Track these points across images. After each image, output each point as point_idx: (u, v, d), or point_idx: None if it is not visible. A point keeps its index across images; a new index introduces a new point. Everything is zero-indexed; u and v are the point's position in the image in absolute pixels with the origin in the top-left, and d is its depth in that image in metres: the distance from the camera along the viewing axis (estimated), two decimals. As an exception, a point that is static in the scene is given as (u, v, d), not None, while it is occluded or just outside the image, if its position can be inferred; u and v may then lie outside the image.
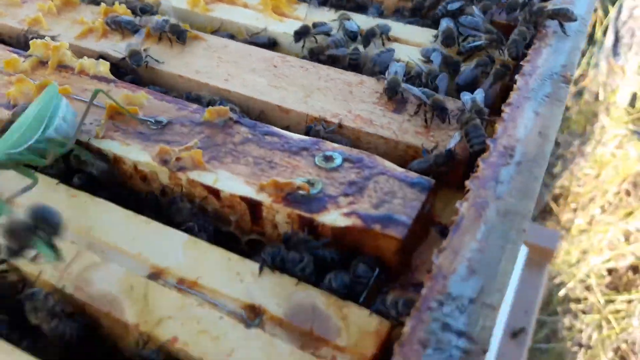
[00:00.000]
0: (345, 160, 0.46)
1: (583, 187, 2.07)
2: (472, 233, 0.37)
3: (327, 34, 0.62)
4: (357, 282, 0.39)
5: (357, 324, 0.36)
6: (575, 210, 2.00)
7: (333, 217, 0.41)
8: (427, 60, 0.59)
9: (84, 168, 0.47)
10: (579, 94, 2.41)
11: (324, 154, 0.47)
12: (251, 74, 0.57)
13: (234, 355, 0.35)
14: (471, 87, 0.54)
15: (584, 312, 1.76)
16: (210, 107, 0.50)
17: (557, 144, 2.23)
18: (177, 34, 0.60)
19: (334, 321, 0.37)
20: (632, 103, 2.42)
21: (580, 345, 1.76)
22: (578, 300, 1.88)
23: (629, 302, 1.84)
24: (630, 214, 2.07)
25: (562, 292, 1.76)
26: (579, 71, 2.46)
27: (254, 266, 0.40)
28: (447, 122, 0.50)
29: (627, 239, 2.01)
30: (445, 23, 0.62)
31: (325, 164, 0.46)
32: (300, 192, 0.43)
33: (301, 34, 0.62)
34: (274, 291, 0.38)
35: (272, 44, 0.64)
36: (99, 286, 0.39)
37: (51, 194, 0.45)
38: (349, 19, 0.64)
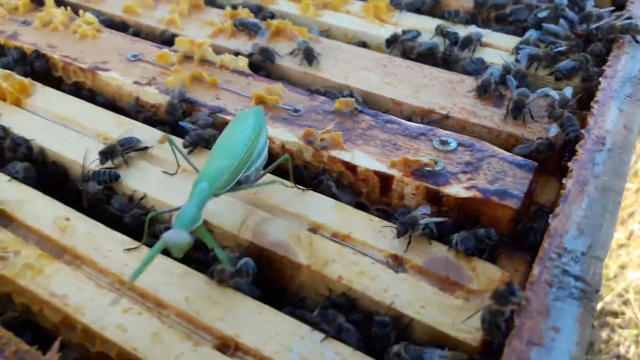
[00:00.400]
0: (459, 144, 0.55)
1: (623, 202, 2.10)
2: (577, 203, 0.46)
3: (414, 40, 0.72)
4: (480, 244, 0.48)
5: (485, 273, 0.45)
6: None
7: (456, 190, 0.51)
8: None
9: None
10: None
11: (439, 138, 0.56)
12: (365, 72, 0.67)
13: (388, 291, 0.44)
14: (569, 75, 0.64)
15: (620, 327, 1.79)
16: (340, 98, 0.60)
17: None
18: (308, 58, 0.68)
19: (465, 271, 0.46)
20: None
21: (618, 357, 1.80)
22: (615, 314, 1.91)
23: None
24: None
25: (599, 306, 1.80)
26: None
27: (391, 228, 0.49)
28: (525, 118, 0.59)
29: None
30: (529, 34, 0.71)
31: (442, 147, 0.55)
32: (427, 168, 0.52)
33: (391, 41, 0.72)
34: (412, 246, 0.48)
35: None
36: (273, 236, 0.49)
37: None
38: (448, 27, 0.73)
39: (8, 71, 0.65)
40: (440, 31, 0.72)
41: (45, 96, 0.64)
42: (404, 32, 0.72)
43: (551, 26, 0.71)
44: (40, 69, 0.69)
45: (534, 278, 0.41)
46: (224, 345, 0.42)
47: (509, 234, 0.50)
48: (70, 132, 0.59)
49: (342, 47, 0.71)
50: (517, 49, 0.69)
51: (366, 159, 0.54)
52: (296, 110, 0.60)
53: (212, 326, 0.42)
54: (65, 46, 0.71)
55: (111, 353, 0.42)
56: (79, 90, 0.68)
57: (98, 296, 0.45)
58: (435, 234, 0.48)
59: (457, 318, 0.42)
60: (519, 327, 0.38)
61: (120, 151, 0.54)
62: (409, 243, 0.47)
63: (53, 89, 0.65)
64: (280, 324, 0.42)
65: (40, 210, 0.51)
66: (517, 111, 0.59)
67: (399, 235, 0.48)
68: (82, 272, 0.47)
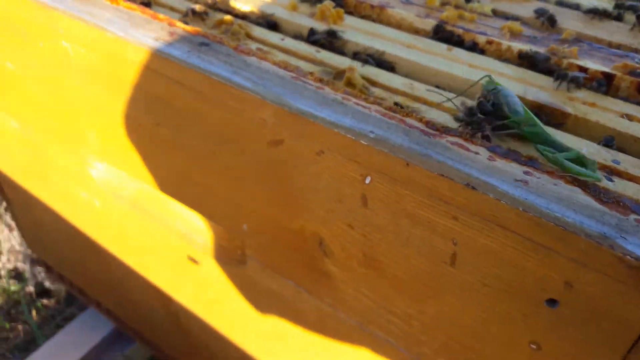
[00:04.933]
0: (656, 60, 0.84)
1: None
2: None
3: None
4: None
5: (688, 125, 0.73)
6: None
7: (661, 82, 0.79)
8: None
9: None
10: None
11: (638, 57, 0.84)
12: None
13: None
14: None
15: None
16: (566, 31, 0.89)
17: None
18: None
19: (674, 123, 0.73)
20: None
21: None
22: None
23: None
24: None
25: None
26: None
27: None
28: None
29: None
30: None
31: (643, 62, 0.83)
32: (638, 70, 0.80)
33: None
34: (636, 111, 0.76)
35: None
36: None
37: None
38: None
39: (329, 1, 0.96)
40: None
41: (353, 21, 0.95)
42: None
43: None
44: (339, 6, 1.00)
45: None
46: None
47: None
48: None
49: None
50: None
51: (593, 64, 0.83)
52: (535, 37, 0.90)
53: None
54: (350, -7, 1.03)
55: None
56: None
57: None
58: None
59: None
60: None
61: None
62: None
63: (354, 17, 0.96)
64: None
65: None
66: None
67: None
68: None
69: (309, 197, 0.72)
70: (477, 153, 0.60)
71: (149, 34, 0.80)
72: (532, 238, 0.55)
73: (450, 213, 0.59)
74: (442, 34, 0.90)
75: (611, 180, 0.62)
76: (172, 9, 0.97)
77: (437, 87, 0.80)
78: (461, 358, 0.72)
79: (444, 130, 0.63)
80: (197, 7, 0.94)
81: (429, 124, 0.64)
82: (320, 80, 0.70)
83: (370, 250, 0.71)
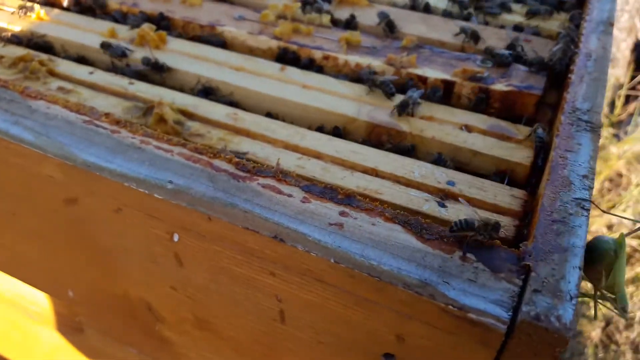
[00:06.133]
0: (493, 63, 0.80)
1: None
2: (580, 86, 0.71)
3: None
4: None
5: (524, 132, 0.70)
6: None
7: (499, 87, 0.75)
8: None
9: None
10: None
11: (481, 59, 0.81)
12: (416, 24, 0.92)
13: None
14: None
15: None
16: (406, 37, 0.84)
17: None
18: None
19: (513, 130, 0.70)
20: (611, 110, 2.84)
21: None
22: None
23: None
24: (612, 207, 2.45)
25: None
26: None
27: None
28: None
29: (609, 229, 2.40)
30: None
31: (483, 64, 0.80)
32: (478, 75, 0.77)
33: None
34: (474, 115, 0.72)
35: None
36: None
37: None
38: None
39: (151, 25, 0.86)
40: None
41: (178, 44, 0.85)
42: None
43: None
44: (164, 28, 0.90)
45: (561, 121, 0.66)
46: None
47: (533, 113, 0.75)
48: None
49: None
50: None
51: (433, 72, 0.78)
52: (374, 47, 0.84)
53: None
54: (180, 11, 0.93)
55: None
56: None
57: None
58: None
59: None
60: (558, 139, 0.62)
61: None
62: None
63: (180, 39, 0.86)
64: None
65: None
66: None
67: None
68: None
69: (122, 259, 0.62)
70: (290, 195, 0.53)
71: None
72: (351, 291, 0.48)
73: (267, 269, 0.51)
74: (278, 54, 0.82)
75: (444, 206, 0.57)
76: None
77: (269, 114, 0.72)
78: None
79: (256, 171, 0.55)
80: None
81: (239, 165, 0.55)
82: (117, 122, 0.60)
83: (200, 312, 0.62)
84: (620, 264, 0.50)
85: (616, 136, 2.76)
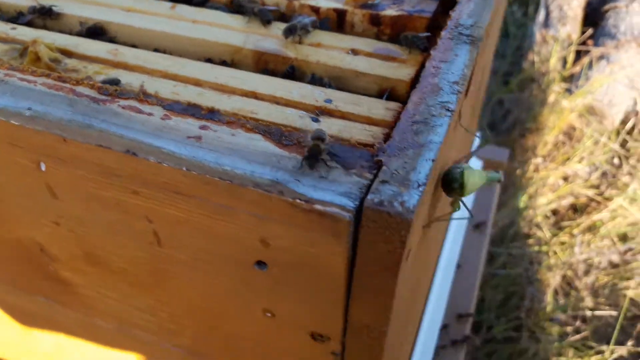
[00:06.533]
0: (388, -9, 0.80)
1: (527, 141, 2.51)
2: (466, 4, 0.72)
3: None
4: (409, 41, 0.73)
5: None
6: (520, 162, 2.42)
7: (390, 12, 0.75)
8: None
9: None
10: (519, 63, 2.83)
11: (374, -10, 0.81)
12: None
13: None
14: None
15: (533, 245, 2.15)
16: (301, -29, 0.83)
17: (502, 102, 2.65)
18: None
19: (399, 52, 0.70)
20: (563, 66, 2.87)
21: (531, 263, 2.17)
22: (528, 236, 2.28)
23: (571, 235, 2.26)
24: (567, 159, 2.50)
25: (513, 230, 2.15)
26: (516, 42, 2.91)
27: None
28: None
29: (565, 180, 2.45)
30: None
31: (376, -6, 0.80)
32: (369, 2, 0.76)
33: None
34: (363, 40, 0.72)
35: None
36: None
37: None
38: None
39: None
40: None
41: None
42: None
43: None
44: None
45: (441, 36, 0.66)
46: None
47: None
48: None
49: None
50: None
51: (326, 2, 0.78)
52: (270, -18, 0.83)
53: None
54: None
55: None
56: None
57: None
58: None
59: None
60: (435, 52, 0.63)
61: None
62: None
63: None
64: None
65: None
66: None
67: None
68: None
69: (5, 200, 0.61)
70: (150, 114, 0.52)
71: None
72: (209, 199, 0.48)
73: (128, 187, 0.51)
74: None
75: (317, 121, 0.57)
76: None
77: (157, 50, 0.71)
78: (215, 340, 0.65)
79: (117, 94, 0.54)
80: None
81: (101, 89, 0.55)
82: (-17, 60, 0.59)
83: (86, 246, 0.61)
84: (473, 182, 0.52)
85: (568, 90, 2.79)
